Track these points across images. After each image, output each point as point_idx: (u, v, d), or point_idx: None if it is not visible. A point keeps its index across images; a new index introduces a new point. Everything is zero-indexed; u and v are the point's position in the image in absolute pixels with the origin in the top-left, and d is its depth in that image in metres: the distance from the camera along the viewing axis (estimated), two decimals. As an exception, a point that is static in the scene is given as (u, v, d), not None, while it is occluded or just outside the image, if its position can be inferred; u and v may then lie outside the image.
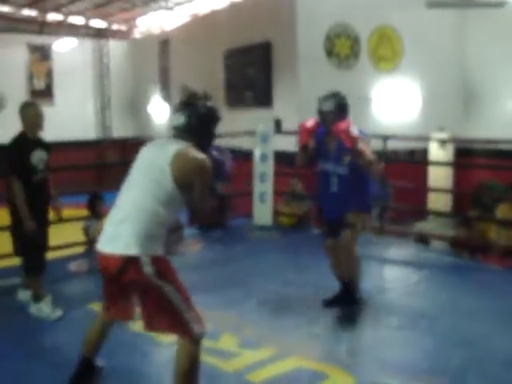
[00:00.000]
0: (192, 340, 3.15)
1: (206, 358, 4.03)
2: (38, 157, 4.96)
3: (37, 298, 5.01)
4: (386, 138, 7.32)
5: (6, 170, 4.89)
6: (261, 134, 7.46)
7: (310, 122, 4.79)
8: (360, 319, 4.76)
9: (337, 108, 4.75)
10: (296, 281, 5.68)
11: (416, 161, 11.57)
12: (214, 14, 13.34)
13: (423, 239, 7.57)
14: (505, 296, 5.24)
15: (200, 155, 3.17)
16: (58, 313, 4.98)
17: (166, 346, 4.22)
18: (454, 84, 12.16)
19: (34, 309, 5.00)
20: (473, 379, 3.71)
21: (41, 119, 5.01)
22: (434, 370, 3.86)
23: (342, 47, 11.00)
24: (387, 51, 11.58)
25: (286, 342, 4.31)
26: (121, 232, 3.07)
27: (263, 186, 7.15)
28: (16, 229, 5.00)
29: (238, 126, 8.58)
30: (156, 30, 16.09)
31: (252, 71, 11.56)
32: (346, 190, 4.77)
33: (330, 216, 5.02)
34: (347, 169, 4.72)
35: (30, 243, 4.91)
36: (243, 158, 7.82)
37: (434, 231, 8.06)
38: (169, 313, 3.13)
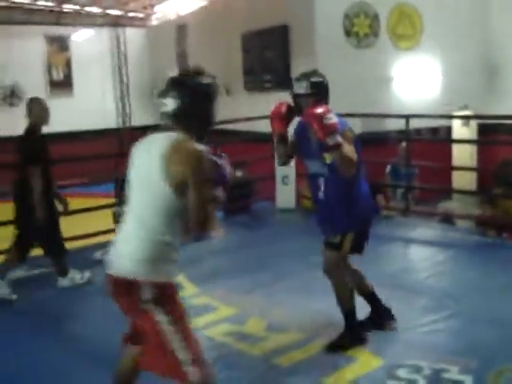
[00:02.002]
0: None
1: (233, 342, 4.06)
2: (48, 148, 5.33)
3: (63, 272, 5.44)
4: (408, 116, 7.21)
5: (25, 161, 5.09)
6: (281, 116, 7.41)
7: (283, 108, 3.86)
8: (386, 301, 4.71)
9: (314, 89, 3.75)
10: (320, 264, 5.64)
11: (439, 139, 11.43)
12: (230, -2, 13.27)
13: (448, 219, 7.48)
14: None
15: (194, 145, 2.59)
16: (87, 274, 5.51)
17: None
18: (476, 60, 11.96)
19: (65, 281, 5.43)
20: (502, 360, 3.66)
21: (47, 113, 5.27)
22: (462, 350, 3.81)
23: (361, 26, 10.86)
24: (407, 29, 11.41)
25: (313, 326, 4.29)
26: (121, 252, 2.68)
27: (285, 168, 7.09)
28: (26, 218, 5.18)
29: (258, 110, 8.51)
30: (172, 16, 16.04)
31: (270, 54, 11.47)
32: (332, 198, 3.86)
33: (320, 228, 4.10)
34: (329, 169, 3.78)
35: (49, 230, 5.24)
36: (264, 141, 7.77)
37: (459, 210, 7.96)
38: (161, 350, 2.61)
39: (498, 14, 11.79)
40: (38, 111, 5.21)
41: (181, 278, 5.41)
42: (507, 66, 11.51)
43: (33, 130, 5.21)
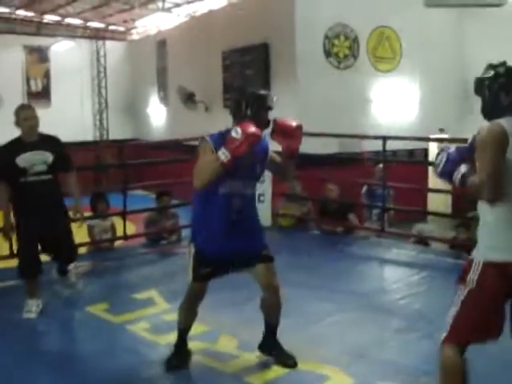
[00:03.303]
0: None
1: (204, 360, 4.01)
2: (29, 158, 4.88)
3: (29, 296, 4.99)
4: (385, 138, 7.25)
5: None
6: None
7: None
8: (360, 321, 4.70)
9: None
10: (295, 282, 5.60)
11: (415, 161, 11.53)
12: (211, 14, 13.32)
13: (423, 240, 7.51)
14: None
15: None
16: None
17: (164, 347, 4.17)
18: (453, 84, 12.13)
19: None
20: (472, 381, 3.65)
21: (30, 122, 4.96)
22: (434, 372, 3.78)
23: (340, 47, 10.98)
24: (386, 52, 11.56)
25: (285, 344, 4.25)
26: None
27: (262, 187, 7.07)
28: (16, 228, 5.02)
29: (237, 128, 8.52)
30: (153, 31, 16.06)
31: (250, 72, 11.53)
32: (252, 215, 3.85)
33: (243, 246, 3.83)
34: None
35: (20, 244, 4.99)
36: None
37: (433, 232, 7.99)
38: None
39: (473, 40, 11.99)
40: (19, 119, 4.95)
41: (153, 294, 5.37)
42: (483, 91, 11.67)
43: (10, 140, 4.99)
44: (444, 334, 3.05)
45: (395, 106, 11.46)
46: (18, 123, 4.96)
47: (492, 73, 3.08)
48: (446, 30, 12.12)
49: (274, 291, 3.86)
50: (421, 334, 4.43)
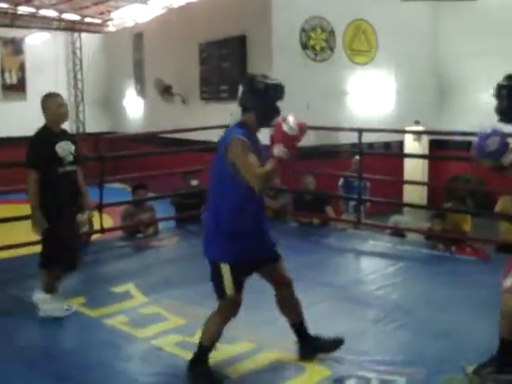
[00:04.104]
0: None
1: (182, 353, 4.01)
2: (63, 148, 4.74)
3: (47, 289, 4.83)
4: (361, 130, 7.30)
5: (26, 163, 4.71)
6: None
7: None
8: (337, 312, 4.74)
9: None
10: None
11: (391, 153, 11.62)
12: (188, 7, 13.27)
13: (399, 232, 7.59)
14: (478, 286, 5.25)
15: None
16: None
17: (141, 341, 4.18)
18: (428, 77, 12.23)
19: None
20: (449, 369, 3.72)
21: (65, 108, 4.85)
22: (410, 361, 3.86)
23: (317, 40, 11.00)
24: (363, 44, 11.62)
25: (263, 336, 4.28)
26: None
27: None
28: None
29: (214, 120, 8.50)
30: (130, 23, 15.94)
31: (227, 64, 11.51)
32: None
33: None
34: None
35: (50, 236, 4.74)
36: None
37: (409, 224, 8.07)
38: None
39: (448, 34, 12.10)
40: (50, 108, 4.76)
41: (130, 287, 5.36)
42: (458, 84, 11.80)
43: (40, 130, 4.79)
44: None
45: (371, 98, 11.53)
46: (48, 111, 4.77)
47: None
48: (421, 24, 12.21)
49: (292, 286, 3.86)
50: (397, 325, 4.50)
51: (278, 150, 3.25)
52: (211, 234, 3.53)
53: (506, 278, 3.49)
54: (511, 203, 6.84)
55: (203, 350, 3.66)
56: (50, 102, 4.78)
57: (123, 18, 15.93)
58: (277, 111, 3.46)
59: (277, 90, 3.45)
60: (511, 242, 6.57)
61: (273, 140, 3.33)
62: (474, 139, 3.46)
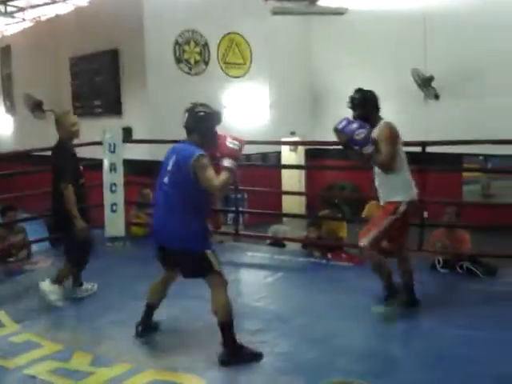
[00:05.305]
0: None
1: (56, 380, 3.85)
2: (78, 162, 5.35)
3: (58, 280, 5.23)
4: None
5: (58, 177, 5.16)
6: (108, 142, 7.19)
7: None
8: (213, 325, 4.72)
9: None
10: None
11: (269, 164, 11.80)
12: (58, 20, 12.90)
13: (278, 242, 7.70)
14: (352, 291, 5.44)
15: None
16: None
17: (12, 371, 4.00)
18: (301, 88, 12.59)
19: (45, 285, 5.21)
20: (326, 374, 3.80)
21: (78, 126, 5.32)
22: (289, 369, 3.92)
23: (191, 53, 11.04)
24: (237, 57, 11.77)
25: (140, 356, 4.20)
26: None
27: (114, 196, 6.91)
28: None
29: (88, 137, 8.25)
30: (-4, 36, 15.27)
31: (100, 79, 11.28)
32: None
33: None
34: None
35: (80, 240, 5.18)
36: (94, 168, 7.56)
37: (288, 233, 8.22)
38: None
39: (319, 46, 12.53)
40: (68, 125, 5.24)
41: (1, 315, 5.07)
42: (329, 95, 12.20)
43: (64, 145, 5.28)
44: None
45: (247, 110, 11.68)
46: (63, 128, 5.24)
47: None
48: (294, 36, 12.56)
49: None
50: (276, 334, 4.57)
51: (228, 163, 3.97)
52: (180, 229, 4.07)
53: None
54: (376, 208, 7.16)
55: (228, 327, 4.10)
56: (65, 119, 5.34)
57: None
58: (215, 134, 4.15)
59: (214, 118, 4.21)
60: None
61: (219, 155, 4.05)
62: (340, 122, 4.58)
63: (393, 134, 4.60)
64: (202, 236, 4.18)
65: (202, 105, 4.29)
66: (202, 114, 4.20)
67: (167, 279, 4.50)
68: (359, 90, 4.76)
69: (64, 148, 5.26)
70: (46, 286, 5.20)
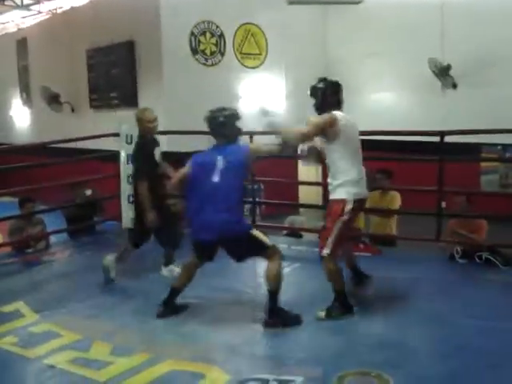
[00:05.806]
0: None
1: (76, 369, 3.89)
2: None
3: (168, 263, 5.86)
4: (251, 133, 7.33)
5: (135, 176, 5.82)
6: (125, 134, 7.20)
7: None
8: (232, 316, 4.73)
9: None
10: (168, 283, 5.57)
11: (284, 155, 11.75)
12: (73, 12, 12.93)
13: (295, 232, 7.68)
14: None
15: None
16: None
17: (32, 361, 4.05)
18: (318, 76, 12.48)
19: (166, 271, 5.82)
20: (344, 365, 3.79)
21: (157, 122, 5.80)
22: (306, 360, 3.91)
23: (207, 44, 11.02)
24: (253, 48, 11.73)
25: (160, 346, 4.22)
26: None
27: (130, 187, 6.90)
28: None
29: (104, 128, 8.28)
30: (13, 29, 15.34)
31: (116, 71, 11.30)
32: None
33: None
34: None
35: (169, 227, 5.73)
36: (110, 159, 7.59)
37: (305, 224, 8.19)
38: None
39: (335, 34, 12.44)
40: (148, 120, 5.72)
41: (20, 305, 5.12)
42: (343, 84, 12.09)
43: (144, 139, 5.77)
44: None
45: (263, 101, 11.63)
46: (141, 124, 5.74)
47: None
48: (310, 26, 12.48)
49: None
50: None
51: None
52: (234, 217, 4.50)
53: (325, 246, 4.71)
54: (379, 198, 7.14)
55: (275, 295, 4.54)
56: (144, 115, 5.75)
57: (4, 23, 15.30)
58: (240, 130, 4.74)
59: (233, 118, 4.66)
60: (382, 234, 7.15)
61: None
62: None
63: (324, 119, 4.63)
64: (244, 220, 4.78)
65: (219, 110, 4.64)
66: (221, 119, 4.58)
67: (195, 267, 4.75)
68: (322, 80, 5.00)
69: (142, 145, 5.77)
70: (110, 262, 5.67)
